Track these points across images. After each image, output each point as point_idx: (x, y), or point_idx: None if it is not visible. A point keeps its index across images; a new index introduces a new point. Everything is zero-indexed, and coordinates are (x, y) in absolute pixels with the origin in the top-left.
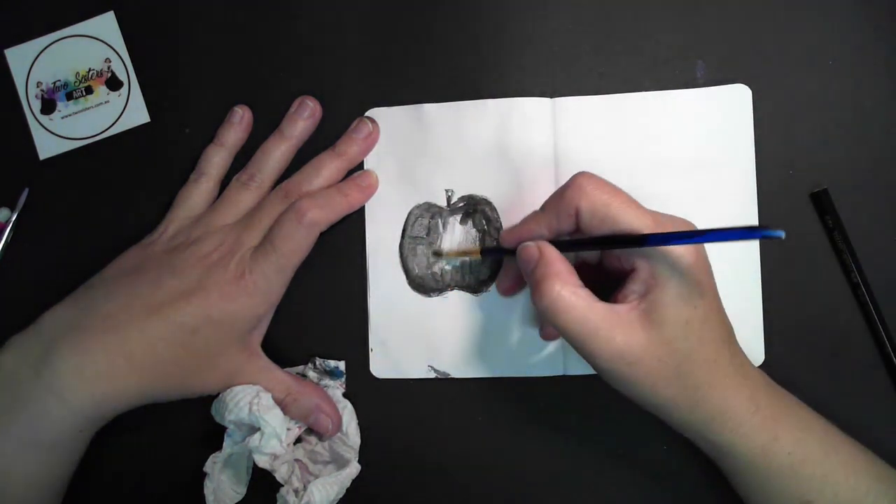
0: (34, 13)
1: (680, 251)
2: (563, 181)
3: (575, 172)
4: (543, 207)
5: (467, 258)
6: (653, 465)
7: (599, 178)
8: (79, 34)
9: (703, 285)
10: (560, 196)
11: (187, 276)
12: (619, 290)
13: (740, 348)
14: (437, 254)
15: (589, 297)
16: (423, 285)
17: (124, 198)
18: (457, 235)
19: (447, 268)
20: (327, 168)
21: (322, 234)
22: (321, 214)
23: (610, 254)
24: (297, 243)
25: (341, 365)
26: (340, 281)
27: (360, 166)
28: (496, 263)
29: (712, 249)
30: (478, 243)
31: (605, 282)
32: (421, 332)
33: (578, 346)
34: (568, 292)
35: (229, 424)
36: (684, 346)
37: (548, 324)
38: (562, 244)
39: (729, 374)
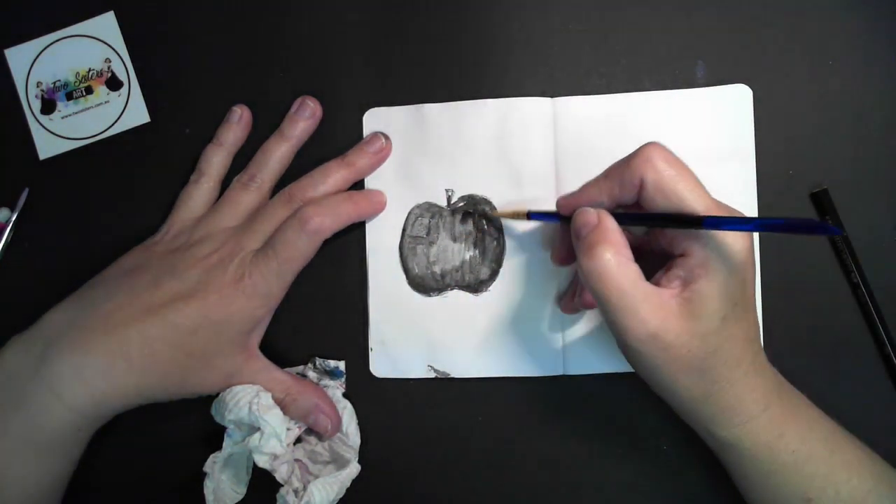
0: (34, 13)
1: (737, 245)
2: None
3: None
4: (606, 174)
5: (514, 217)
6: (653, 465)
7: (669, 151)
8: (79, 34)
9: (746, 284)
10: (626, 164)
11: (187, 278)
12: (662, 272)
13: (762, 347)
14: (483, 215)
15: (637, 273)
16: (423, 285)
17: (124, 198)
18: (457, 235)
19: (447, 267)
20: (334, 176)
21: None
22: (325, 222)
23: (661, 235)
24: (298, 250)
25: (341, 365)
26: (340, 281)
27: (361, 183)
28: (496, 263)
29: None
30: (477, 243)
31: (647, 263)
32: (421, 332)
33: (614, 318)
34: (618, 262)
35: (229, 424)
36: (714, 342)
37: (587, 289)
38: (618, 217)
39: (748, 372)
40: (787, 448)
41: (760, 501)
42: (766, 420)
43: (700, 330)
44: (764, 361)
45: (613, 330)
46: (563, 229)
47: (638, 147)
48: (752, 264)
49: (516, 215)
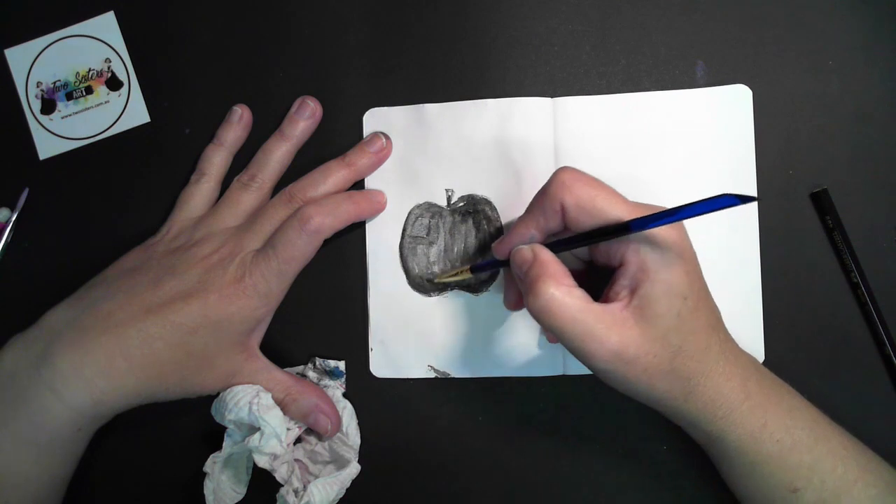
0: (34, 13)
1: (668, 240)
2: None
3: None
4: (529, 209)
5: (460, 279)
6: (653, 465)
7: (581, 172)
8: (79, 34)
9: (690, 275)
10: (544, 193)
11: (187, 277)
12: (609, 287)
13: (729, 334)
14: (430, 281)
15: (583, 298)
16: (423, 285)
17: (124, 198)
18: (457, 235)
19: (447, 267)
20: (334, 176)
21: None
22: (326, 222)
23: (598, 251)
24: (299, 250)
25: (341, 365)
26: (340, 281)
27: (362, 183)
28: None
29: (710, 249)
30: (477, 243)
31: (598, 284)
32: (421, 332)
33: (574, 347)
34: (562, 293)
35: (229, 424)
36: (676, 340)
37: (541, 326)
38: (551, 245)
39: (720, 361)
40: (772, 438)
41: (748, 494)
42: (748, 409)
43: (658, 332)
44: (735, 348)
45: (579, 358)
46: (508, 274)
47: (551, 175)
48: (691, 255)
49: (461, 273)
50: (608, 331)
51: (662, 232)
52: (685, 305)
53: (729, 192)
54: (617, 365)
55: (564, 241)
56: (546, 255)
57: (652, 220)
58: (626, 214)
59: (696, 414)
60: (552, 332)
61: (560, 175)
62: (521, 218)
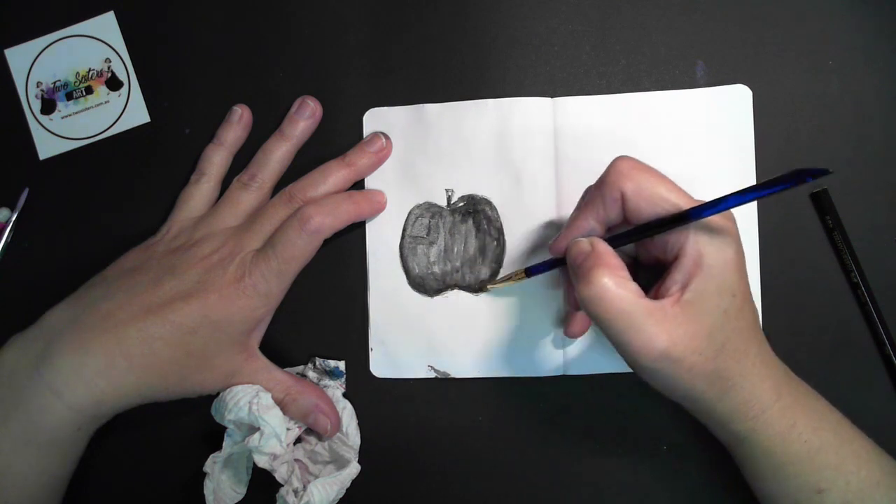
0: (34, 13)
1: (724, 234)
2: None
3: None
4: (587, 200)
5: (514, 282)
6: (653, 465)
7: (639, 161)
8: (79, 34)
9: (741, 272)
10: (602, 183)
11: (187, 277)
12: (661, 283)
13: (764, 337)
14: (482, 289)
15: (637, 292)
16: (424, 285)
17: (124, 198)
18: (457, 235)
19: (447, 267)
20: (334, 176)
21: None
22: (326, 221)
23: (653, 245)
24: (299, 250)
25: (341, 365)
26: (340, 281)
27: (362, 183)
28: (496, 263)
29: None
30: (477, 243)
31: (642, 283)
32: (421, 332)
33: (621, 339)
34: (615, 283)
35: (229, 424)
36: (720, 337)
37: (588, 316)
38: (609, 240)
39: (756, 363)
40: (800, 438)
41: (773, 495)
42: (779, 410)
43: (704, 329)
44: (769, 350)
45: (623, 353)
46: (566, 280)
47: (608, 165)
48: (742, 252)
49: (516, 276)
50: (657, 327)
51: (719, 223)
52: (733, 303)
53: (797, 169)
54: (664, 364)
55: (624, 234)
56: (603, 247)
57: (714, 206)
58: (686, 203)
59: (728, 414)
60: (600, 323)
61: (618, 164)
62: (576, 211)
